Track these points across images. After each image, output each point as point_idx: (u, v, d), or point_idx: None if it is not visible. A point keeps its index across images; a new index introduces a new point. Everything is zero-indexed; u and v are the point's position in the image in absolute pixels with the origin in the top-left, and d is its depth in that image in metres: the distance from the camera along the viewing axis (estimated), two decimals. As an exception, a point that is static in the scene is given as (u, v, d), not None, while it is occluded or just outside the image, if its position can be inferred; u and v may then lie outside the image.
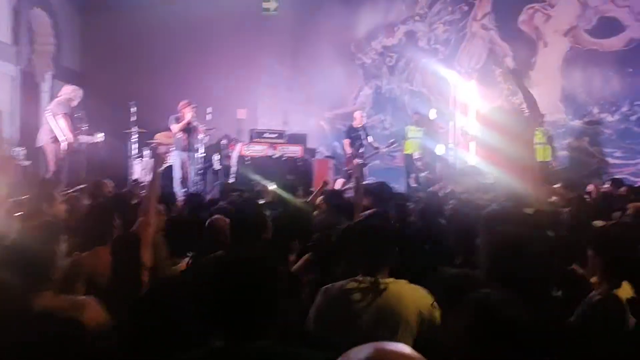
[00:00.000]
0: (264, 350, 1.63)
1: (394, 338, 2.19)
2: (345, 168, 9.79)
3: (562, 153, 10.50)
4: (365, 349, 1.03)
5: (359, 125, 10.08)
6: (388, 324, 2.28)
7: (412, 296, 2.34)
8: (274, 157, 10.23)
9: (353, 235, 2.62)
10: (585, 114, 10.68)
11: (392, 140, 10.24)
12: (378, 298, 2.31)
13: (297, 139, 10.78)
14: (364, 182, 7.30)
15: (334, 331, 2.29)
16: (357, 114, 10.21)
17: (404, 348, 1.04)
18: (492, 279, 2.18)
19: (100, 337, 2.14)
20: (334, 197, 5.02)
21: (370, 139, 10.09)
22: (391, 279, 2.38)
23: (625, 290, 2.45)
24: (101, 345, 2.05)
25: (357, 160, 9.75)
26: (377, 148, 10.03)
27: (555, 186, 8.10)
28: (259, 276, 1.71)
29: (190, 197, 6.17)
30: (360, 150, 9.90)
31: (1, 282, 1.87)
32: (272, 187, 5.99)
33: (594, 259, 2.52)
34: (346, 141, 10.02)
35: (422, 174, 9.75)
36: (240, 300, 1.67)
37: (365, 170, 9.88)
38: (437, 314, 2.28)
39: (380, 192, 4.64)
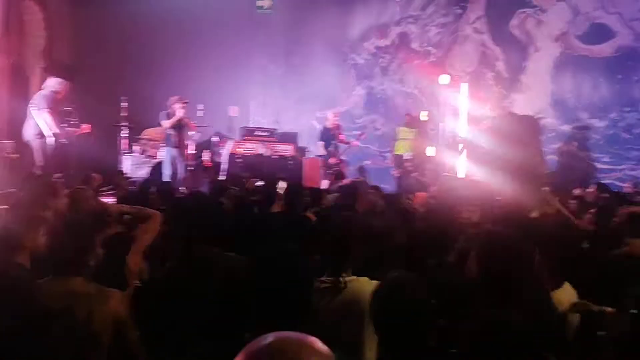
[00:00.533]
0: None
1: (360, 332, 2.28)
2: (328, 171, 9.77)
3: (551, 157, 10.58)
4: (268, 337, 1.04)
5: (333, 126, 10.01)
6: (352, 318, 2.32)
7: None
8: (264, 155, 10.22)
9: (317, 237, 2.74)
10: (575, 119, 10.77)
11: (359, 132, 10.22)
12: (340, 295, 2.37)
13: (288, 137, 10.78)
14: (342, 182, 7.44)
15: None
16: (330, 115, 10.12)
17: (305, 337, 1.05)
18: (482, 281, 2.20)
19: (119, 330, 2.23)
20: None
21: (344, 137, 10.03)
22: (353, 277, 2.43)
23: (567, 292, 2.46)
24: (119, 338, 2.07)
25: (332, 160, 9.73)
26: (347, 143, 9.99)
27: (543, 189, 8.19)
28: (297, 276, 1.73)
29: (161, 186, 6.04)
30: (335, 149, 9.83)
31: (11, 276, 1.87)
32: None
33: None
34: (320, 143, 9.94)
35: (412, 175, 9.78)
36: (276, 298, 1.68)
37: (348, 169, 9.86)
38: None
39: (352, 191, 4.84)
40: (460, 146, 10.29)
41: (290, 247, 2.15)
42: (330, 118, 10.04)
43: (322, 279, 2.43)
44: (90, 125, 8.55)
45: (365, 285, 2.39)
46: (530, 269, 2.22)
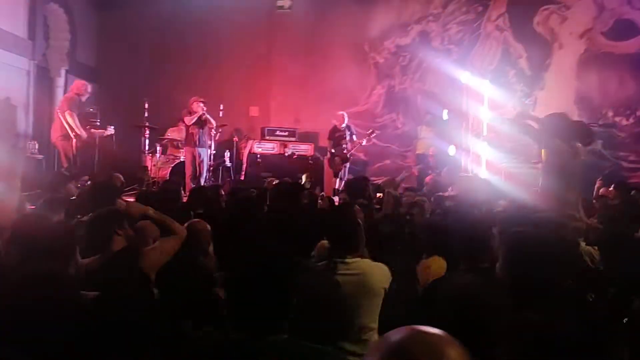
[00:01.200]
0: (279, 345, 1.63)
1: (364, 304, 2.70)
2: (336, 168, 9.78)
3: (576, 156, 10.43)
4: (402, 331, 1.07)
5: (343, 126, 9.99)
6: (358, 292, 2.68)
7: (376, 270, 2.81)
8: (285, 155, 10.26)
9: (323, 225, 3.14)
10: (600, 116, 10.58)
11: (370, 131, 10.17)
12: (345, 274, 2.70)
13: (308, 137, 10.81)
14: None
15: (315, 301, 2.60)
16: (339, 115, 10.12)
17: (437, 330, 1.08)
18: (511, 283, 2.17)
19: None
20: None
21: (354, 137, 10.01)
22: (357, 259, 2.79)
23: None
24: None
25: (337, 159, 9.76)
26: (359, 143, 9.96)
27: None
28: (275, 271, 1.72)
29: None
30: (344, 148, 9.83)
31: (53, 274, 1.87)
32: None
33: None
34: (329, 142, 9.98)
35: (435, 172, 9.72)
36: (255, 294, 1.67)
37: (346, 165, 9.89)
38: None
39: (353, 188, 5.08)
40: (485, 132, 10.19)
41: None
42: (340, 118, 10.03)
43: (333, 260, 2.79)
44: (113, 128, 8.68)
45: (368, 265, 2.81)
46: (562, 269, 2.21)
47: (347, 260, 2.75)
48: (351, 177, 9.36)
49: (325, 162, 10.07)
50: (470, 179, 9.41)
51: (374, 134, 10.17)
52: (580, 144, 4.84)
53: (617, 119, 10.54)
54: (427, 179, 8.97)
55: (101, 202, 3.73)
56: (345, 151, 9.82)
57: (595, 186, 8.64)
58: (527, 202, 4.55)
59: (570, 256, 2.74)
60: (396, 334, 1.06)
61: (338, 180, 9.70)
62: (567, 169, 4.66)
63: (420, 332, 1.07)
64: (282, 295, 1.70)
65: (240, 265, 1.80)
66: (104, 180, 4.49)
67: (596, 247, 3.35)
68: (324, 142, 11.05)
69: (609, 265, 2.85)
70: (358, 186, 5.35)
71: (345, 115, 10.11)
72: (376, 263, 2.88)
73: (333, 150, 9.89)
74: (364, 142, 9.97)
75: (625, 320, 2.21)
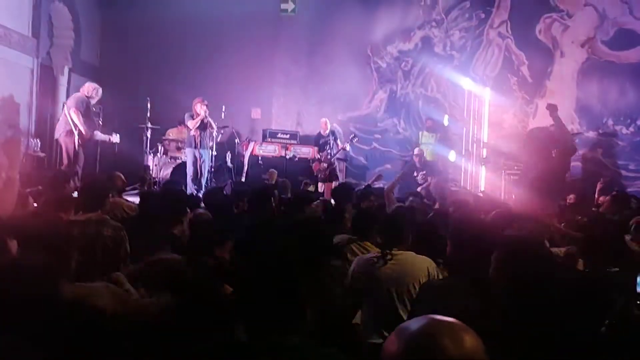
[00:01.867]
0: (291, 348, 1.55)
1: (407, 290, 3.13)
2: (320, 174, 10.00)
3: (575, 164, 10.46)
4: (420, 320, 1.12)
5: (326, 132, 10.28)
6: (400, 280, 3.16)
7: (418, 261, 3.25)
8: (286, 157, 10.30)
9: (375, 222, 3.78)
10: (600, 125, 10.63)
11: (352, 135, 10.43)
12: (390, 263, 3.20)
13: (310, 140, 10.84)
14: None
15: (363, 285, 3.25)
16: (322, 121, 10.43)
17: (455, 321, 1.12)
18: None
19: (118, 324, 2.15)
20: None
21: (339, 142, 10.25)
22: (401, 251, 3.26)
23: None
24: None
25: (323, 165, 9.98)
26: (343, 147, 10.19)
27: (569, 197, 8.10)
28: (286, 269, 1.68)
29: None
30: (328, 153, 10.09)
31: (30, 266, 1.87)
32: None
33: None
34: (314, 148, 10.27)
35: (421, 173, 9.80)
36: (265, 293, 1.62)
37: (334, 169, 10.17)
38: (442, 273, 3.21)
39: (339, 193, 5.74)
40: (485, 152, 10.28)
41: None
42: (323, 124, 10.34)
43: (380, 251, 3.30)
44: (119, 136, 8.75)
45: (411, 256, 3.26)
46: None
47: (394, 252, 3.23)
48: (342, 181, 9.54)
49: (314, 167, 10.19)
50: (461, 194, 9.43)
51: (356, 139, 10.43)
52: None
53: (617, 127, 10.59)
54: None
55: (91, 202, 3.76)
56: (329, 156, 10.02)
57: (597, 189, 8.68)
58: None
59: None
60: (415, 323, 1.11)
61: (324, 185, 9.86)
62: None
63: (439, 320, 1.11)
64: (293, 296, 1.64)
65: (250, 265, 1.78)
66: (93, 179, 4.49)
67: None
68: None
69: None
70: (344, 192, 5.67)
71: (328, 121, 10.39)
72: (420, 255, 3.28)
73: (318, 156, 10.12)
74: (348, 147, 10.26)
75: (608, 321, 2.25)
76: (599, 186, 8.82)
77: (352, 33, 11.50)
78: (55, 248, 2.35)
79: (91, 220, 3.54)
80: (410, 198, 5.91)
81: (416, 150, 10.22)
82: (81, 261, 2.48)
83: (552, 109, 7.63)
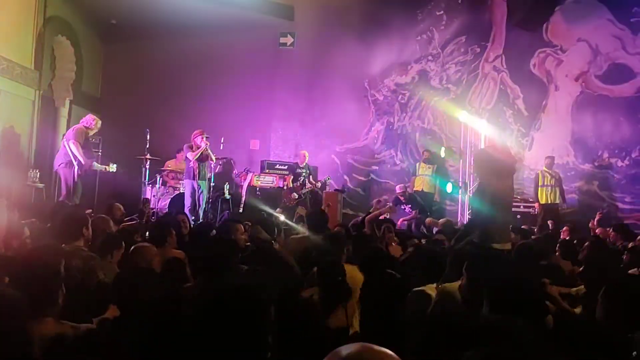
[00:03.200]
0: None
1: None
2: (284, 200, 10.22)
3: (572, 196, 10.51)
4: (353, 346, 1.11)
5: (303, 164, 10.54)
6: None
7: None
8: (284, 188, 10.36)
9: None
10: (595, 157, 10.71)
11: (327, 177, 10.88)
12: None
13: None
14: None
15: None
16: (301, 153, 10.77)
17: (387, 351, 1.12)
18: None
19: None
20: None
21: (311, 177, 10.56)
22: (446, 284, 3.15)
23: None
24: None
25: (294, 195, 10.21)
26: (313, 184, 10.52)
27: (563, 228, 8.14)
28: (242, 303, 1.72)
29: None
30: (300, 185, 10.37)
31: (6, 298, 1.89)
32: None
33: None
34: (288, 177, 10.48)
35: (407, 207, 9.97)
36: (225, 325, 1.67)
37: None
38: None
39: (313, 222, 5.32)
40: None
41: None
42: (301, 156, 10.67)
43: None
44: (116, 165, 8.79)
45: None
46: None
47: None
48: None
49: (284, 195, 10.38)
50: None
51: (330, 180, 10.87)
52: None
53: (612, 160, 10.66)
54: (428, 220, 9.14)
55: (68, 233, 3.80)
56: (300, 188, 10.30)
57: (595, 219, 8.70)
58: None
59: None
60: (347, 349, 1.11)
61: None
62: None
63: (369, 349, 1.11)
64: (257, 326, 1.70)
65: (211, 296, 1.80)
66: (70, 210, 4.52)
67: None
68: (323, 176, 11.17)
69: None
70: (318, 219, 5.38)
71: (307, 154, 10.71)
72: None
73: (291, 185, 10.33)
74: (319, 185, 10.59)
75: None
76: (597, 217, 8.85)
77: (349, 66, 11.69)
78: (42, 282, 2.34)
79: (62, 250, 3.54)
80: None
81: (397, 188, 10.30)
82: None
83: None
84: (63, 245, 3.69)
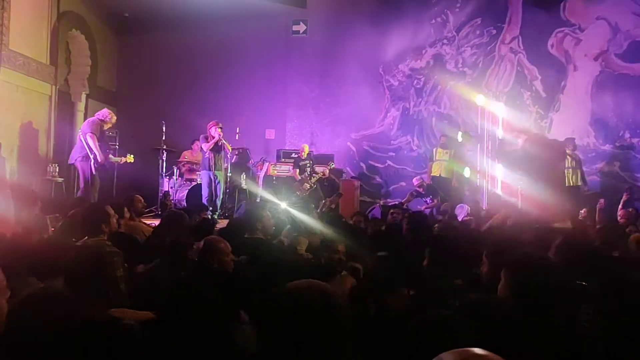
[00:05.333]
0: None
1: None
2: (297, 192, 10.16)
3: (593, 178, 10.34)
4: (458, 352, 1.11)
5: (305, 156, 10.45)
6: None
7: None
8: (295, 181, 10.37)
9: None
10: (616, 138, 10.52)
11: (330, 163, 10.74)
12: None
13: (324, 159, 10.87)
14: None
15: None
16: (302, 146, 10.66)
17: (488, 352, 1.12)
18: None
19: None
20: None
21: (316, 168, 10.45)
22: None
23: None
24: None
25: (305, 186, 10.18)
26: (322, 172, 10.45)
27: (582, 211, 8.02)
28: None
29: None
30: (307, 176, 10.33)
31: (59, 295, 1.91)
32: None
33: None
34: (294, 170, 10.42)
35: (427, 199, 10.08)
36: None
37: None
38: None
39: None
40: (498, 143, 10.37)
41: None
42: (302, 149, 10.54)
43: None
44: (133, 157, 8.82)
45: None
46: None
47: None
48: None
49: (294, 187, 10.39)
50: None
51: (333, 165, 10.70)
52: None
53: (634, 140, 10.47)
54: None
55: (90, 226, 3.81)
56: (308, 179, 10.27)
57: (622, 200, 8.58)
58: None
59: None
60: (449, 356, 1.11)
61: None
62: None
63: (473, 354, 1.11)
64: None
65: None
66: (92, 205, 4.52)
67: None
68: (339, 164, 11.14)
69: None
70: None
71: (307, 146, 10.63)
72: None
73: (300, 177, 10.29)
74: (327, 173, 10.50)
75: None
76: (624, 197, 8.71)
77: (363, 52, 11.58)
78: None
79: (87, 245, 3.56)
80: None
81: (415, 181, 10.38)
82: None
83: None
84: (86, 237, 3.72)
